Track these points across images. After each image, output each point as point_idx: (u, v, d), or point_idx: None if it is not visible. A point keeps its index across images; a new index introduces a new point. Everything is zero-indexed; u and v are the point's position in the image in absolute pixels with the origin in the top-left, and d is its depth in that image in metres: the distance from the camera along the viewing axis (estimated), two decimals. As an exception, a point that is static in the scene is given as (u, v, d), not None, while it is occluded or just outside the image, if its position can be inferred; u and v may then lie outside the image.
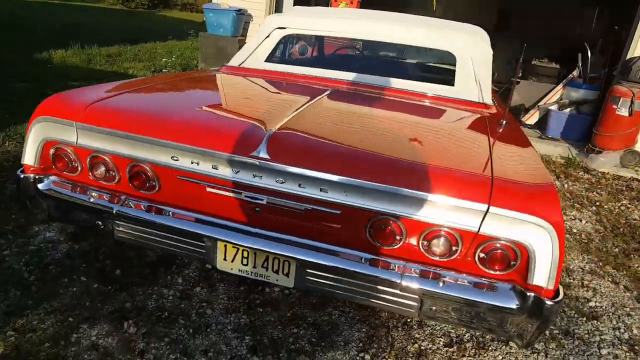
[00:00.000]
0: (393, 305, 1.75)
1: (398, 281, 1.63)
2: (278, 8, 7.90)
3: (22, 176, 1.98)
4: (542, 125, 6.32)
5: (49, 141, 1.93)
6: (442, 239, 1.62)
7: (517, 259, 1.57)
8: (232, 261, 1.86)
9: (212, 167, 1.72)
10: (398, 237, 1.66)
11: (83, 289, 2.26)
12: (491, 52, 2.87)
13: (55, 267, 2.39)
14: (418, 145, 1.95)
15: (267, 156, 1.65)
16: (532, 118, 6.45)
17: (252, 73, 2.90)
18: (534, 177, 1.66)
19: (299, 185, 1.66)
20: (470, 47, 2.83)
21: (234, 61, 3.03)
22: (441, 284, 1.62)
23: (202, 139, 1.71)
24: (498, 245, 1.57)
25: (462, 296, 1.60)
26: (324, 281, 1.78)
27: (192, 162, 1.74)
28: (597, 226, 3.84)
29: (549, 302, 1.55)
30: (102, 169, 1.91)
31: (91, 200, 1.89)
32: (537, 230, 1.51)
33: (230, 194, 1.75)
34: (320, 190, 1.65)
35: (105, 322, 2.06)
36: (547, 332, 2.36)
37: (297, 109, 2.06)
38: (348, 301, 2.34)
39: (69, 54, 7.97)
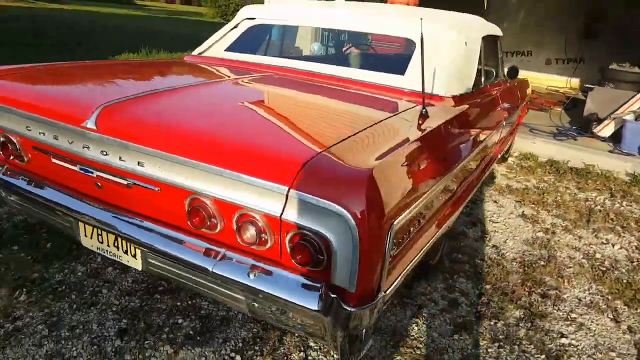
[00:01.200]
0: (225, 299, 1.58)
1: (210, 269, 1.45)
2: None
3: None
4: (618, 137, 5.42)
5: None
6: (250, 224, 1.41)
7: (323, 254, 1.30)
8: (91, 238, 1.81)
9: (54, 137, 1.70)
10: (213, 221, 1.48)
11: (7, 255, 2.39)
12: (466, 41, 2.55)
13: (-1, 235, 2.56)
14: (267, 127, 1.74)
15: (93, 126, 1.58)
16: (605, 129, 5.56)
17: (207, 61, 2.87)
18: (359, 163, 1.36)
19: (120, 158, 1.57)
20: (434, 35, 2.53)
21: (198, 50, 3.04)
22: (251, 276, 1.41)
23: (41, 107, 1.71)
24: (303, 235, 1.32)
25: (267, 291, 1.37)
26: (164, 266, 1.66)
27: (39, 133, 1.74)
28: (634, 254, 3.16)
29: (347, 308, 1.26)
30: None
31: None
32: (338, 221, 1.24)
33: (70, 166, 1.71)
34: (138, 163, 1.54)
35: (4, 287, 2.15)
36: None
37: (175, 87, 2.01)
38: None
39: (140, 57, 8.71)
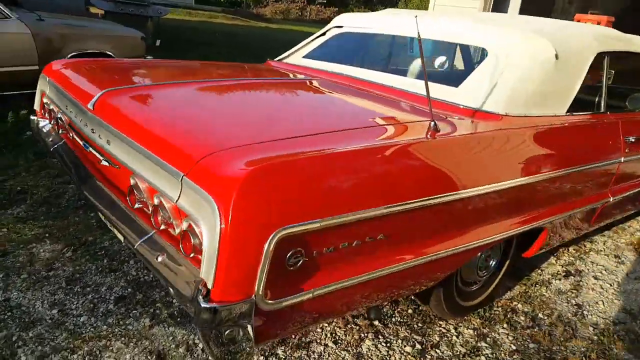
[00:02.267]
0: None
1: (134, 246, 1.51)
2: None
3: None
4: None
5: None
6: (160, 208, 1.41)
7: (200, 243, 1.24)
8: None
9: (74, 115, 1.96)
10: (144, 201, 1.53)
11: (81, 218, 2.81)
12: (558, 54, 2.18)
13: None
14: (216, 121, 1.74)
15: (91, 107, 1.79)
16: None
17: (282, 66, 2.94)
18: (256, 162, 1.25)
19: (98, 136, 1.74)
20: (509, 44, 2.23)
21: (281, 56, 3.15)
22: (158, 259, 1.42)
23: (71, 87, 1.99)
24: (190, 225, 1.28)
25: (162, 276, 1.36)
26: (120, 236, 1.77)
27: (67, 108, 2.03)
28: None
29: (201, 302, 1.17)
30: None
31: None
32: (209, 211, 1.18)
33: (79, 141, 1.95)
34: (107, 142, 1.68)
35: (61, 243, 2.54)
36: None
37: (186, 83, 2.19)
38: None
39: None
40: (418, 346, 2.08)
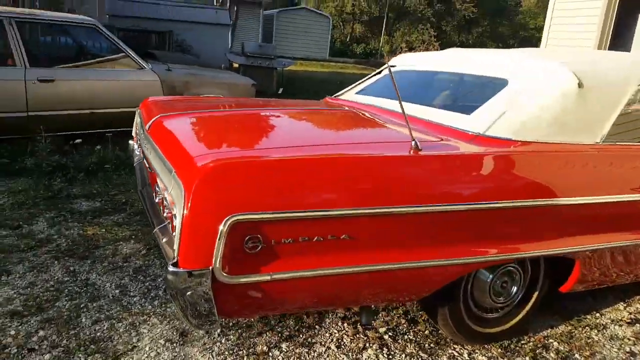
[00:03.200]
0: None
1: (154, 230, 1.89)
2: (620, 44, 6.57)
3: None
4: None
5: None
6: (164, 199, 1.77)
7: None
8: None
9: (140, 132, 2.47)
10: (159, 193, 1.91)
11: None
12: (584, 83, 2.17)
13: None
14: (228, 139, 2.08)
15: (147, 128, 2.28)
16: None
17: (336, 102, 3.23)
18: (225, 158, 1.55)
19: (146, 148, 2.19)
20: (529, 72, 2.30)
21: (338, 93, 3.46)
22: (163, 241, 1.76)
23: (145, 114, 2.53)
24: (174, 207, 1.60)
25: (164, 252, 1.71)
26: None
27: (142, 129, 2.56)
28: None
29: (168, 267, 1.46)
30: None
31: None
32: (179, 192, 1.50)
33: (142, 155, 2.44)
34: (149, 152, 2.13)
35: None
36: None
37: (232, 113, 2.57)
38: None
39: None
40: (420, 362, 2.12)
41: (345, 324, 2.34)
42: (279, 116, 2.61)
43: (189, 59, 7.81)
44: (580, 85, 2.22)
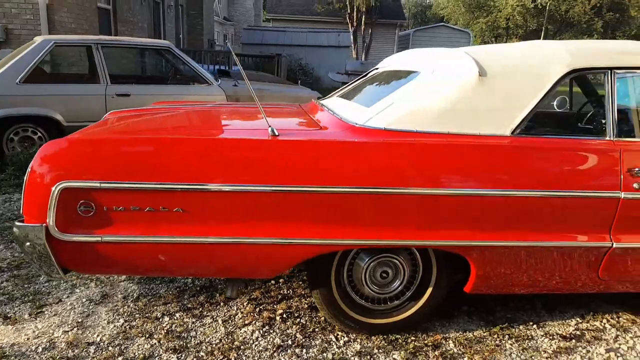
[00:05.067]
0: None
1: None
2: None
3: None
4: None
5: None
6: None
7: None
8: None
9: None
10: None
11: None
12: (489, 72, 2.16)
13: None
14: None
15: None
16: None
17: (309, 106, 3.37)
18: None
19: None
20: (434, 67, 2.34)
21: (327, 95, 3.61)
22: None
23: None
24: None
25: None
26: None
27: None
28: None
29: (17, 223, 1.83)
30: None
31: None
32: None
33: None
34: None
35: None
36: None
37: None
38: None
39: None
40: (289, 342, 2.21)
41: (249, 305, 2.51)
42: (195, 112, 2.88)
43: (266, 77, 8.45)
44: (482, 74, 2.16)
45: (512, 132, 2.12)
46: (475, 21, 29.47)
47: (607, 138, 2.19)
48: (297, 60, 16.31)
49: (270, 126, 1.99)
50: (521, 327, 2.42)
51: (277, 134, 1.98)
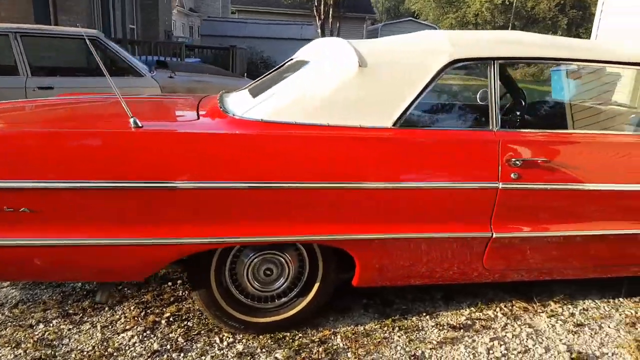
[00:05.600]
0: None
1: None
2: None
3: None
4: None
5: None
6: None
7: None
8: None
9: None
10: None
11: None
12: (370, 63, 2.10)
13: None
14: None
15: None
16: None
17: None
18: None
19: None
20: (323, 58, 2.31)
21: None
22: None
23: None
24: None
25: None
26: None
27: None
28: None
29: None
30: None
31: None
32: None
33: None
34: None
35: None
36: None
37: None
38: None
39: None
40: (167, 346, 2.12)
41: (136, 309, 2.40)
42: (79, 104, 2.74)
43: (208, 69, 8.21)
44: (362, 65, 2.10)
45: (394, 124, 2.07)
46: (445, 16, 29.75)
47: (490, 129, 2.17)
48: (259, 53, 16.02)
49: (132, 117, 1.88)
50: (414, 318, 2.41)
51: (140, 125, 1.87)
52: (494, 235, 2.16)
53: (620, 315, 2.52)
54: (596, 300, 2.66)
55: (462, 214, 2.14)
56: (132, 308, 2.40)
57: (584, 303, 2.63)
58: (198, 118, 2.19)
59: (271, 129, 1.99)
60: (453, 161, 2.11)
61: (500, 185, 2.10)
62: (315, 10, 20.47)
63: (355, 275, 2.16)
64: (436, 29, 23.91)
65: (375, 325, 2.33)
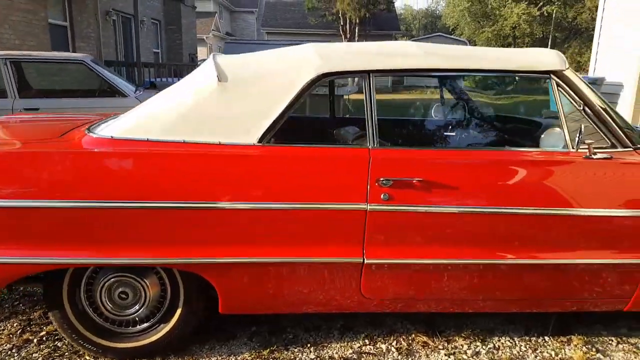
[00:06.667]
0: None
1: None
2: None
3: None
4: None
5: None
6: None
7: None
8: None
9: None
10: None
11: None
12: (229, 78, 2.03)
13: None
14: None
15: None
16: None
17: None
18: None
19: None
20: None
21: None
22: None
23: None
24: None
25: None
26: None
27: None
28: None
29: None
30: None
31: None
32: None
33: None
34: None
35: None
36: None
37: None
38: None
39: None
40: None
41: (18, 325, 2.36)
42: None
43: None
44: (222, 80, 2.02)
45: (259, 141, 1.97)
46: (481, 30, 29.04)
47: (366, 146, 2.02)
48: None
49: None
50: (297, 349, 2.24)
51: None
52: (366, 261, 1.99)
53: (536, 357, 2.25)
54: (515, 338, 2.39)
55: (332, 237, 1.99)
56: (15, 324, 2.36)
57: (499, 340, 2.37)
58: (60, 137, 2.15)
59: (117, 145, 1.93)
60: (320, 180, 1.98)
61: (369, 207, 1.94)
62: (341, 30, 20.68)
63: (219, 302, 2.04)
64: (466, 44, 23.51)
65: (249, 357, 2.18)
